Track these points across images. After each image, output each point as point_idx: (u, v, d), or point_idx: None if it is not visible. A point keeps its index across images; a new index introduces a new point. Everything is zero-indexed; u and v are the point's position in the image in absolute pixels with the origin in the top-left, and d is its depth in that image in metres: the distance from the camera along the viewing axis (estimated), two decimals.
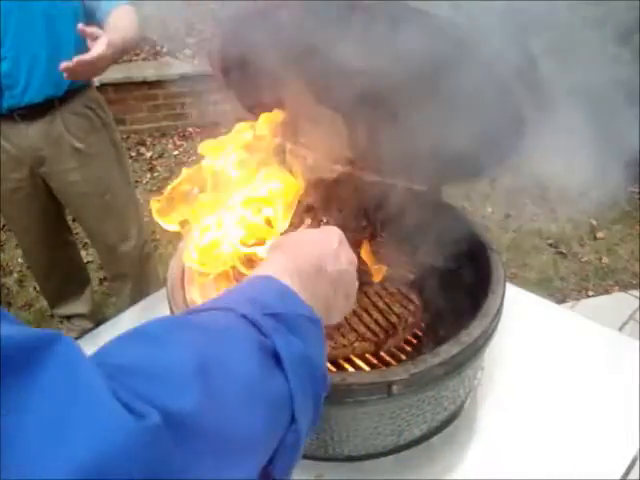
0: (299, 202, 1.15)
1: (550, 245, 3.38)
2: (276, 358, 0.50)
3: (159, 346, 0.45)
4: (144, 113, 4.51)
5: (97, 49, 1.63)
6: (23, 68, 1.86)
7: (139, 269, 2.42)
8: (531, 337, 1.37)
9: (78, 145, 2.06)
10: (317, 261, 0.68)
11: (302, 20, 0.93)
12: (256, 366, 0.47)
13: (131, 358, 0.44)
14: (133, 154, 4.29)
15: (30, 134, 1.99)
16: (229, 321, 0.51)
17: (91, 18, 1.96)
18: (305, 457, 1.09)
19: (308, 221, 1.34)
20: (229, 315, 0.51)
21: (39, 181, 2.13)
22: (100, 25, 1.94)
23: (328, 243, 0.74)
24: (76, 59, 1.60)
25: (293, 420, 0.50)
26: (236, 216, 1.08)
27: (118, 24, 1.82)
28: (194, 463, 0.39)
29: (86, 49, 1.99)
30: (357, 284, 0.77)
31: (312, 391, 0.54)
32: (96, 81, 2.12)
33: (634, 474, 1.11)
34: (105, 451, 0.33)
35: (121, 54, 1.85)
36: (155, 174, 4.16)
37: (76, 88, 2.00)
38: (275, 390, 0.49)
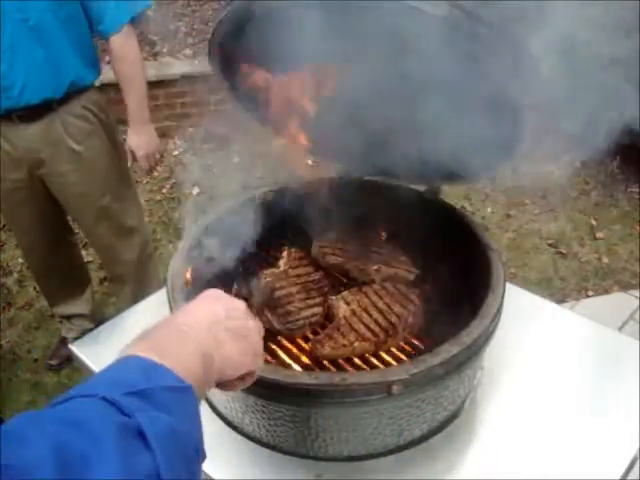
0: None
1: (550, 245, 3.38)
2: (141, 436, 0.51)
3: (20, 445, 0.47)
4: None
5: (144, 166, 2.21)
6: (20, 69, 1.86)
7: (139, 270, 2.42)
8: (531, 337, 1.37)
9: (77, 148, 2.06)
10: (179, 326, 0.71)
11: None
12: (119, 451, 0.49)
13: None
14: None
15: (28, 135, 1.99)
16: (91, 407, 0.52)
17: (92, 24, 1.97)
18: (305, 457, 1.09)
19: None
20: (91, 401, 0.53)
21: (38, 182, 2.12)
22: (101, 36, 1.99)
23: (196, 305, 0.78)
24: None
25: None
26: None
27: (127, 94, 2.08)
28: None
29: (87, 51, 2.00)
30: (249, 324, 0.79)
31: (184, 463, 0.56)
32: (97, 82, 2.11)
33: (634, 474, 1.11)
34: None
35: (143, 105, 2.13)
36: (155, 174, 4.17)
37: (75, 90, 2.00)
38: (140, 468, 0.50)
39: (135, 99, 2.09)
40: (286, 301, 1.26)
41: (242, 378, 0.77)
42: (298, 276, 1.33)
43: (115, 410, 0.52)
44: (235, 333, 0.75)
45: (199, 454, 0.60)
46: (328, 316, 1.28)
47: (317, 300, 1.27)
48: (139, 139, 2.14)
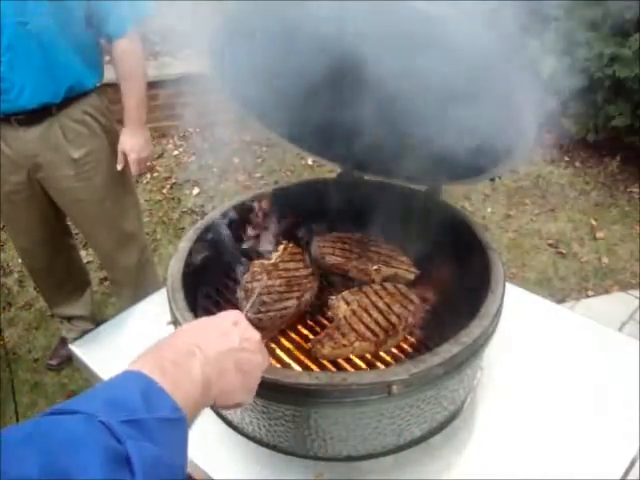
0: None
1: (550, 245, 3.38)
2: (128, 462, 0.54)
3: (9, 456, 0.51)
4: None
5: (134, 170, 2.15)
6: (18, 72, 1.84)
7: (138, 276, 2.41)
8: (531, 337, 1.37)
9: (75, 155, 2.04)
10: (191, 346, 0.72)
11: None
12: (103, 474, 0.52)
13: None
14: None
15: (27, 139, 1.98)
16: (86, 428, 0.55)
17: (99, 29, 1.96)
18: (305, 457, 1.09)
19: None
20: (88, 421, 0.56)
21: (37, 186, 2.11)
22: (106, 39, 1.99)
23: (213, 326, 0.79)
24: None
25: None
26: None
27: (126, 99, 2.07)
28: None
29: (89, 54, 1.99)
30: (257, 360, 0.79)
31: None
32: (97, 82, 2.10)
33: (634, 474, 1.11)
34: None
35: (143, 110, 2.12)
36: (155, 174, 4.17)
37: (75, 95, 1.98)
38: None
39: (134, 100, 2.06)
40: (265, 292, 1.26)
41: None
42: (286, 270, 1.33)
43: (109, 434, 0.55)
44: (240, 367, 0.76)
45: None
46: (326, 314, 1.28)
47: (294, 294, 1.27)
48: (133, 142, 2.09)
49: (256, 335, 0.81)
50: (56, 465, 0.50)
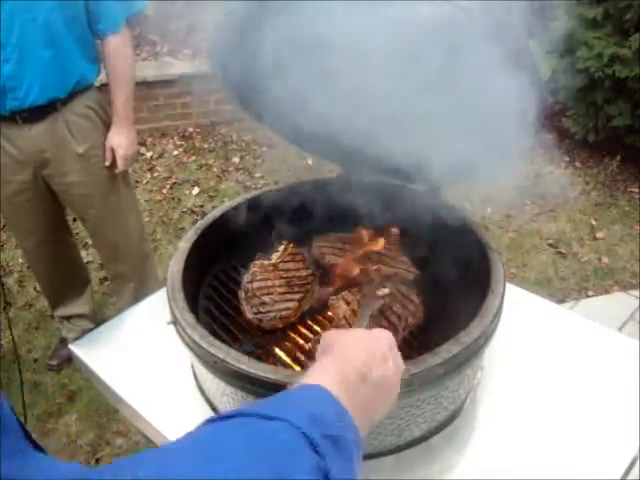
0: None
1: (550, 245, 3.38)
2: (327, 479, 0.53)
3: (213, 462, 0.49)
4: (144, 113, 4.51)
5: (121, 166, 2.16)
6: (27, 70, 1.86)
7: (141, 268, 2.43)
8: (531, 337, 1.37)
9: (80, 150, 2.07)
10: (363, 366, 0.70)
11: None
12: None
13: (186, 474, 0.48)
14: None
15: (33, 136, 1.99)
16: (289, 437, 0.54)
17: (92, 25, 1.98)
18: None
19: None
20: (289, 430, 0.54)
21: (42, 183, 2.13)
22: (98, 35, 2.02)
23: (377, 347, 0.75)
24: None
25: None
26: None
27: (114, 96, 2.10)
28: None
29: (90, 50, 2.01)
30: (397, 390, 0.76)
31: None
32: (97, 81, 2.12)
33: (634, 474, 1.11)
34: None
35: (129, 110, 2.14)
36: (155, 174, 4.17)
37: (79, 89, 2.01)
38: None
39: (123, 98, 2.09)
40: (265, 292, 1.26)
41: None
42: (286, 270, 1.33)
43: (311, 449, 0.54)
44: (387, 394, 0.73)
45: None
46: (326, 314, 1.28)
47: (295, 296, 1.27)
48: (121, 139, 2.12)
49: (402, 364, 0.79)
50: (280, 470, 0.50)
